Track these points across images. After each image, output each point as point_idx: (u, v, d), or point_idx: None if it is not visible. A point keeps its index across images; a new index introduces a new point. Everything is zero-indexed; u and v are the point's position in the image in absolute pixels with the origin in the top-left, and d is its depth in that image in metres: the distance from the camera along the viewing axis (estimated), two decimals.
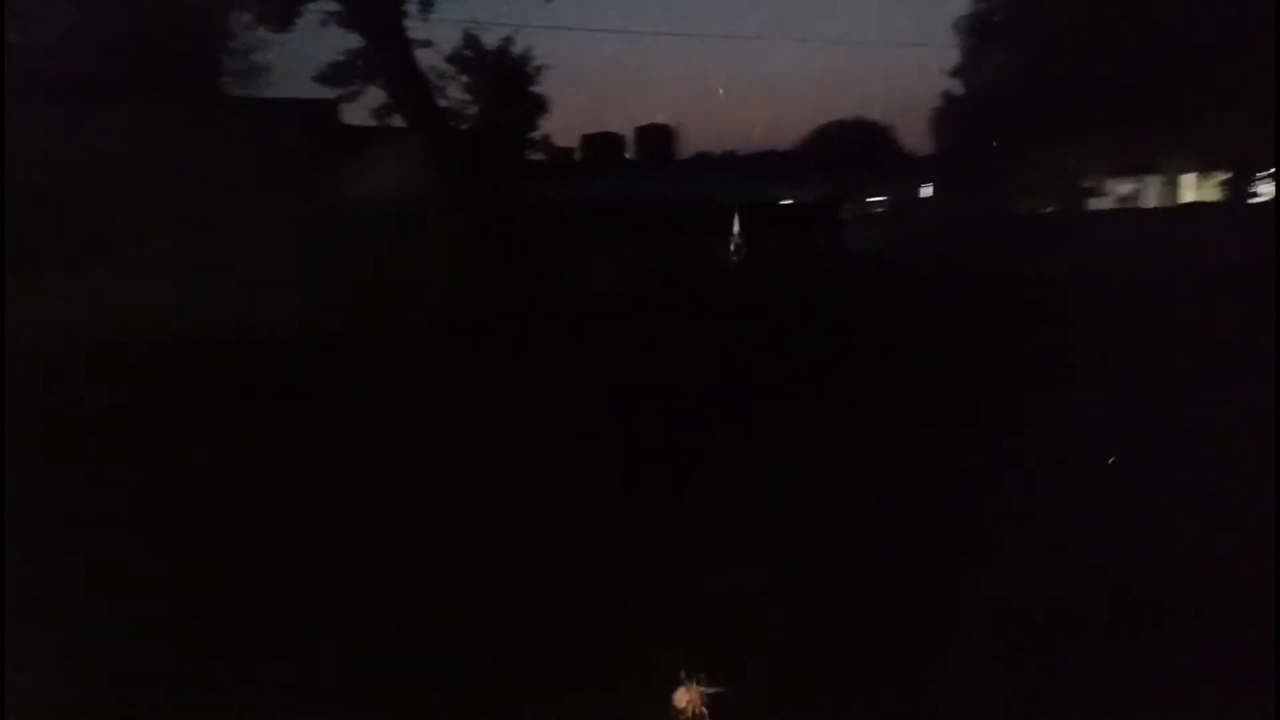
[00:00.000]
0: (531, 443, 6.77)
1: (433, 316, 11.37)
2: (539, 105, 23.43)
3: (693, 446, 6.53)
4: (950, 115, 27.67)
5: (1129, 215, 26.65)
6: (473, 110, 22.15)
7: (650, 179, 27.38)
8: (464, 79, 21.62)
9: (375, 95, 17.99)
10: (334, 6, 15.99)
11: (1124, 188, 28.01)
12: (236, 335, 9.71)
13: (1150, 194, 27.81)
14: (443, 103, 19.92)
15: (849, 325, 12.42)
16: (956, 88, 27.45)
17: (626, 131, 33.46)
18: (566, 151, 29.97)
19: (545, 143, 24.87)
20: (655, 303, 14.33)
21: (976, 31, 26.05)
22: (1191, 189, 27.30)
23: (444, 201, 15.20)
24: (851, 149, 30.25)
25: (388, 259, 12.88)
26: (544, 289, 15.13)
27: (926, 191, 29.59)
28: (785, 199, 29.11)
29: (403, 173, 14.69)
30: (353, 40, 16.87)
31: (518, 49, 22.27)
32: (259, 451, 6.30)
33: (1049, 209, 26.38)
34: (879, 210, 29.84)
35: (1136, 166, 27.02)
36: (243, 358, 9.20)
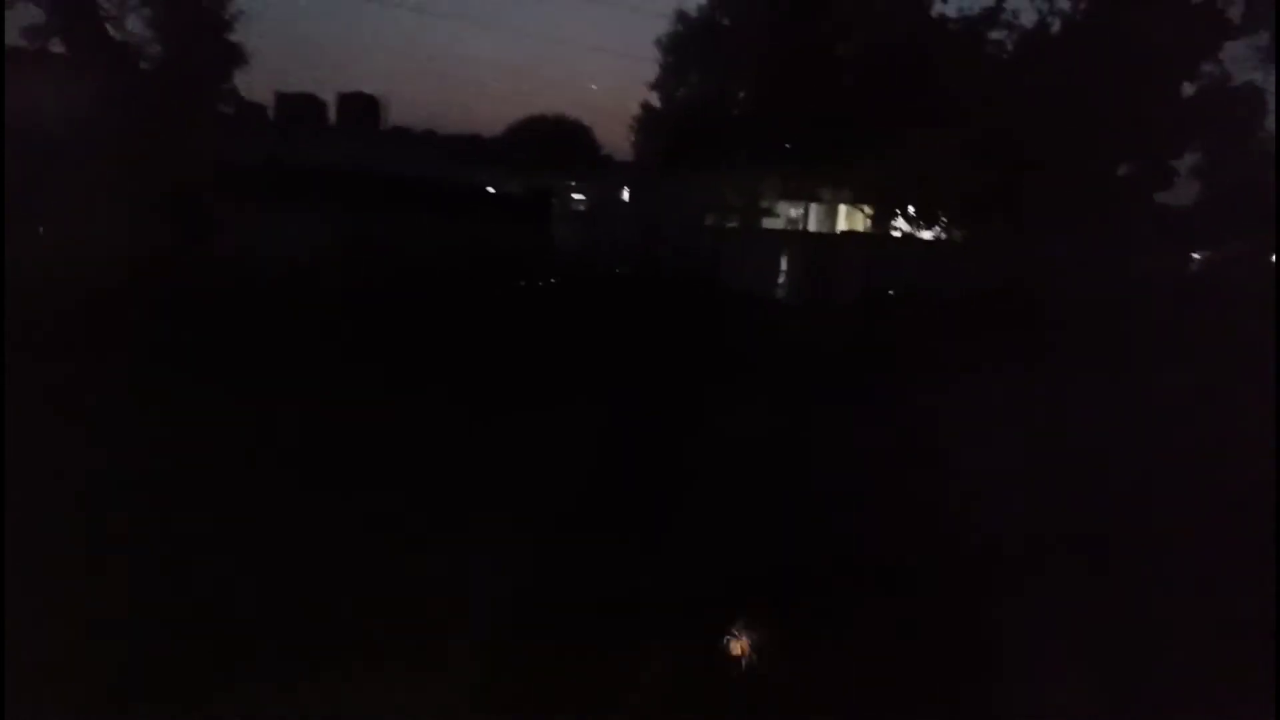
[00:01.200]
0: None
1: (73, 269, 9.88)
2: (234, 55, 20.92)
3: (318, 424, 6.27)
4: (647, 126, 28.78)
5: (795, 237, 29.54)
6: (155, 49, 19.10)
7: (346, 148, 25.61)
8: (147, 10, 18.50)
9: (30, 11, 14.80)
10: None
11: (793, 211, 31.07)
12: None
13: (813, 220, 31.17)
14: (116, 35, 17.25)
15: (525, 317, 12.44)
16: (655, 100, 28.60)
17: (328, 97, 30.58)
18: (258, 108, 27.04)
19: (235, 95, 22.37)
20: (320, 274, 13.48)
21: (674, 51, 27.32)
22: (845, 219, 31.09)
23: (102, 141, 13.35)
24: (557, 145, 30.35)
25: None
26: (206, 248, 14.20)
27: (625, 195, 30.54)
28: (486, 185, 28.53)
29: (56, 106, 12.72)
30: None
31: None
32: None
33: (728, 225, 28.41)
34: (579, 209, 30.24)
35: (803, 194, 30.10)
36: None
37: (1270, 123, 23.54)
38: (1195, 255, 25.99)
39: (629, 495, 5.44)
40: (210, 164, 16.85)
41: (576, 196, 30.07)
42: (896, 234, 29.07)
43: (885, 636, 3.82)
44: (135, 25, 18.56)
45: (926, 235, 29.07)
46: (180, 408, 6.41)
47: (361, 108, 31.64)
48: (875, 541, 4.76)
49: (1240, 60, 23.97)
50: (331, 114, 29.84)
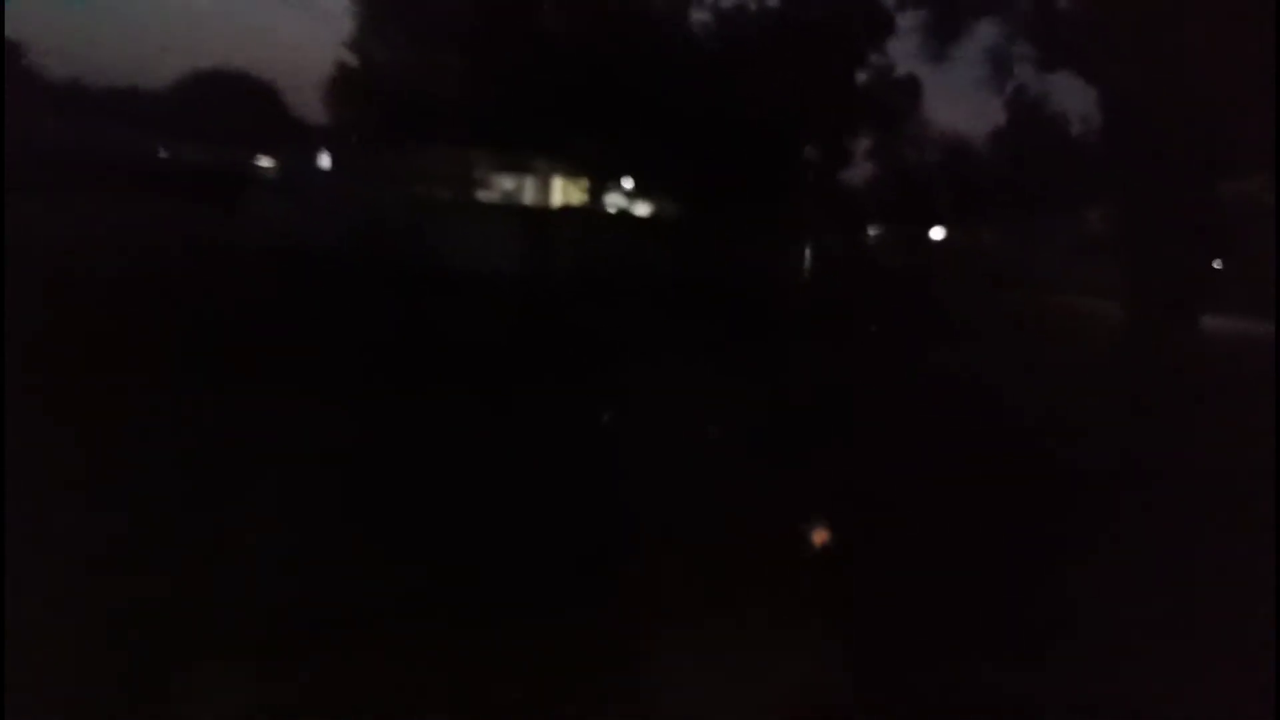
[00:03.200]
0: None
1: None
2: None
3: None
4: (350, 91, 26.46)
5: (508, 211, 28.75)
6: None
7: None
8: None
9: None
10: None
11: (509, 184, 30.26)
12: None
13: (528, 193, 30.58)
14: None
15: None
16: (353, 60, 26.29)
17: None
18: None
19: None
20: None
21: (372, 7, 25.24)
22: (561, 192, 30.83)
23: None
24: (242, 107, 27.01)
25: None
26: None
27: (326, 163, 27.94)
28: (158, 150, 24.73)
29: None
30: None
31: None
32: None
33: (441, 198, 26.99)
34: (271, 177, 27.19)
35: (518, 167, 29.39)
36: None
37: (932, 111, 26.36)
38: (871, 233, 28.73)
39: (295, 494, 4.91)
40: None
41: (264, 166, 26.99)
42: (612, 211, 29.32)
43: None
44: None
45: (642, 212, 29.63)
46: None
47: None
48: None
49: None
50: None
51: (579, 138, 26.18)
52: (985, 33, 18.38)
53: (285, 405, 6.57)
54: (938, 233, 30.28)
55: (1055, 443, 8.37)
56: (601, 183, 29.72)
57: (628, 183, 28.83)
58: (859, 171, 27.54)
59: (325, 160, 27.78)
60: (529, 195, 30.21)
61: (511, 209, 28.84)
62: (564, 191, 30.35)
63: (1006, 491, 6.46)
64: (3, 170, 9.84)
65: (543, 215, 28.32)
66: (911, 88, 26.92)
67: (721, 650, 3.62)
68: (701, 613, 3.96)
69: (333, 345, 9.28)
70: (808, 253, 24.16)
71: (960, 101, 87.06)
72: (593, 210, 29.55)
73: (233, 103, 27.69)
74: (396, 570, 4.05)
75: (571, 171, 30.10)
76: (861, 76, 27.21)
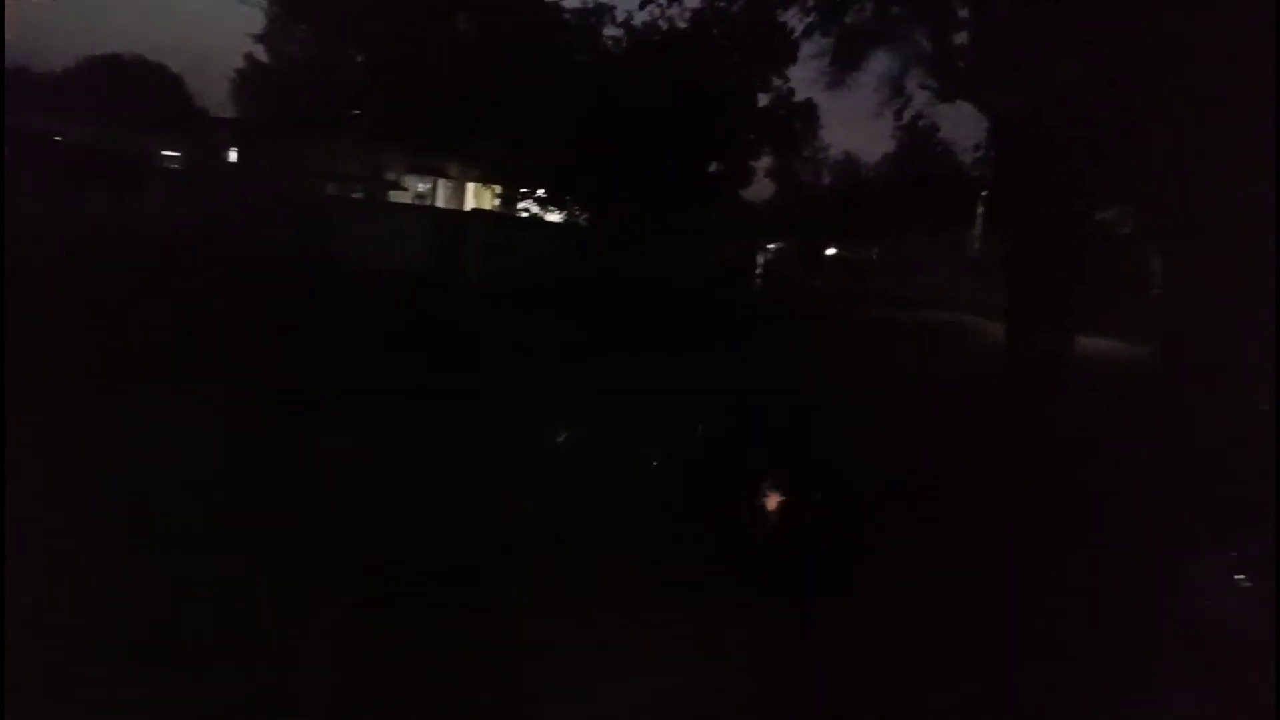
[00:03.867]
0: None
1: None
2: None
3: None
4: (255, 82, 26.26)
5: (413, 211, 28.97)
6: None
7: None
8: None
9: None
10: None
11: (421, 185, 30.46)
12: None
13: (440, 195, 30.84)
14: None
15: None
16: (261, 54, 26.13)
17: None
18: None
19: None
20: None
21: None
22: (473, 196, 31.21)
23: None
24: (141, 91, 26.39)
25: None
26: None
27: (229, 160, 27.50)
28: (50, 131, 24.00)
29: None
30: None
31: None
32: None
33: (351, 195, 27.04)
34: (174, 168, 26.63)
35: (432, 169, 29.62)
36: None
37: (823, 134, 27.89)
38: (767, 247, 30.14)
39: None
40: None
41: (168, 155, 26.44)
42: (524, 215, 29.80)
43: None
44: None
45: (553, 218, 30.21)
46: None
47: None
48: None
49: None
50: None
51: (487, 141, 26.68)
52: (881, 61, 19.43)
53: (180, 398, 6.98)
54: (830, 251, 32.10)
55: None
56: (511, 188, 30.20)
57: (537, 189, 29.39)
58: (759, 188, 28.87)
59: (231, 153, 27.41)
60: (440, 198, 30.51)
61: (421, 209, 29.08)
62: (476, 195, 30.76)
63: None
64: (2, 171, 9.34)
65: (454, 217, 28.67)
66: (809, 111, 28.48)
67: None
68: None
69: (233, 339, 9.63)
70: (707, 263, 25.30)
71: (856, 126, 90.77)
72: (501, 214, 30.03)
73: (136, 86, 27.02)
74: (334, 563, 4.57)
75: (481, 176, 30.52)
76: (763, 98, 28.60)
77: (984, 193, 24.09)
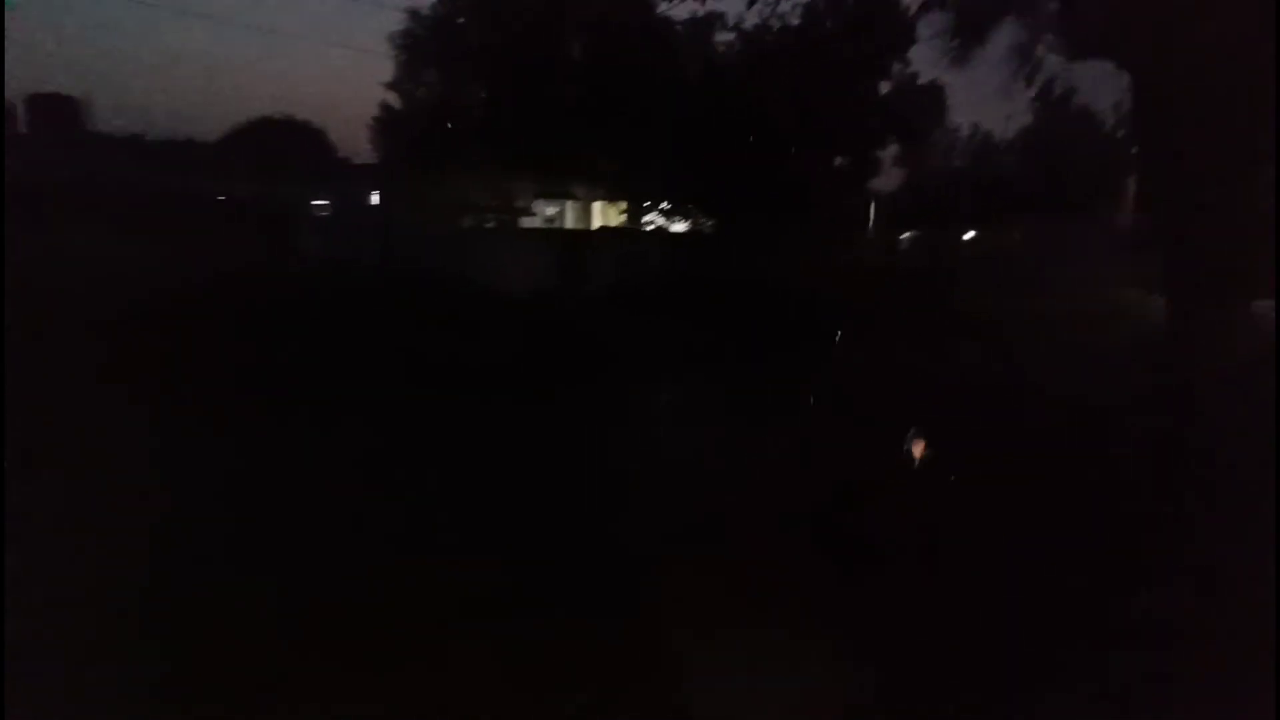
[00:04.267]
0: None
1: None
2: None
3: None
4: (390, 127, 27.72)
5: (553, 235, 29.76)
6: None
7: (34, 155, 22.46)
8: None
9: None
10: None
11: (550, 210, 31.29)
12: None
13: (569, 217, 31.57)
14: None
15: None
16: (394, 100, 27.58)
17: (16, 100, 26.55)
18: None
19: None
20: None
21: (409, 49, 26.47)
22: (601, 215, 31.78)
23: None
24: (290, 148, 28.34)
25: None
26: None
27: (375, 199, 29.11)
28: (216, 192, 26.08)
29: None
30: None
31: None
32: None
33: (486, 225, 28.02)
34: (323, 214, 28.43)
35: (558, 193, 30.40)
36: None
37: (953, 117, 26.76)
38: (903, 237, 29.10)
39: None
40: None
41: (317, 203, 28.21)
42: (649, 228, 30.11)
43: None
44: None
45: (678, 228, 30.38)
46: None
47: (56, 110, 27.82)
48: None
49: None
50: (21, 121, 26.06)
51: (608, 160, 27.11)
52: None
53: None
54: (967, 235, 30.64)
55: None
56: (636, 203, 30.60)
57: (661, 202, 29.62)
58: (886, 180, 28.00)
59: (371, 196, 29.00)
60: (569, 219, 31.24)
61: (552, 232, 29.88)
62: (602, 213, 31.32)
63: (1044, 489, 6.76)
64: (2, 176, 9.93)
65: (581, 236, 29.28)
66: (935, 93, 27.44)
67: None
68: None
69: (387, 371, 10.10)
70: (838, 260, 24.71)
71: (984, 103, 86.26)
72: (627, 229, 30.44)
73: (277, 145, 28.93)
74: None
75: (606, 194, 31.08)
76: (884, 85, 27.79)
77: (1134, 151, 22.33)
